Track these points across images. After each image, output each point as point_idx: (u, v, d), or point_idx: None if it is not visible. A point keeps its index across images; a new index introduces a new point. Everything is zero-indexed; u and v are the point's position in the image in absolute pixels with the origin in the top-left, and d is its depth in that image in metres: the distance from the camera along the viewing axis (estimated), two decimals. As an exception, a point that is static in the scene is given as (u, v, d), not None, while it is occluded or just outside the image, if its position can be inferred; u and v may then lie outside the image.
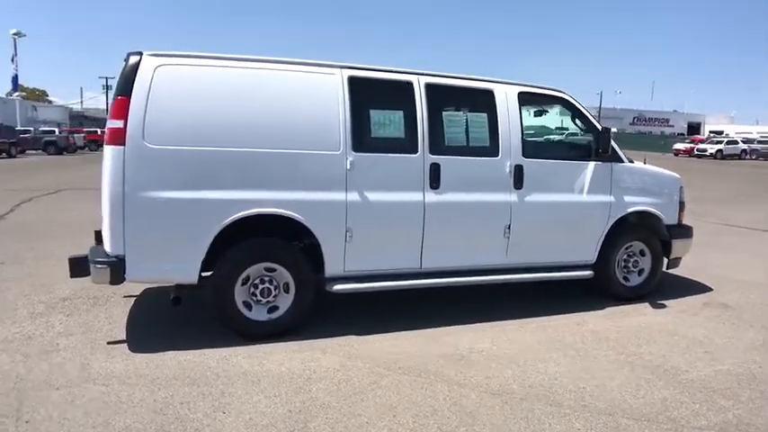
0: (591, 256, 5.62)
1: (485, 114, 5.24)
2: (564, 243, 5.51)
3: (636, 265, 5.88)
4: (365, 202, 4.70)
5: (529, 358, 4.31)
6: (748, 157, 45.05)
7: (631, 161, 5.86)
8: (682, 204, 6.07)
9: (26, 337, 4.56)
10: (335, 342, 4.55)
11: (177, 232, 4.30)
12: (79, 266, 4.47)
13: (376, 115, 4.93)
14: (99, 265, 4.22)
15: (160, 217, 4.24)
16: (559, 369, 4.12)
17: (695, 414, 3.48)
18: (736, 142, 46.64)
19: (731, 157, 43.71)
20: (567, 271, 5.53)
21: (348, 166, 4.61)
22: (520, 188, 5.21)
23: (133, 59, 4.25)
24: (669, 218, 5.96)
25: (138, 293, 5.70)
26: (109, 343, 4.46)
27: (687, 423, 3.36)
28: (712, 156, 43.29)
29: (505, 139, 5.16)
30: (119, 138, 4.14)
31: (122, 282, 4.33)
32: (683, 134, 71.15)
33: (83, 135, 41.72)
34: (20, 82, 49.16)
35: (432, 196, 4.90)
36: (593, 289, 5.84)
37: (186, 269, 4.36)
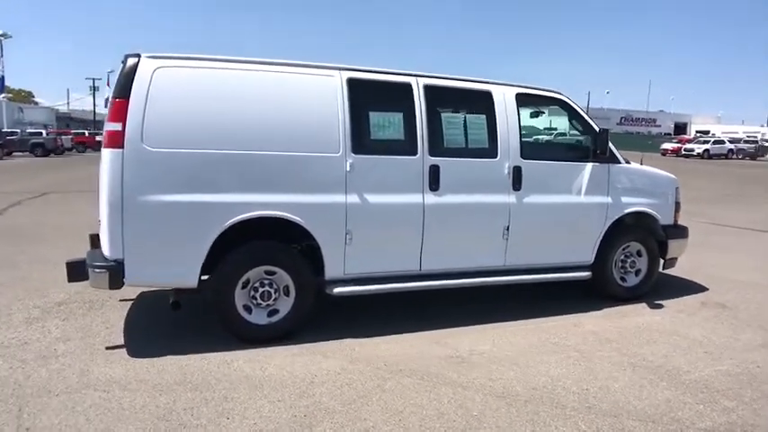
0: (589, 256, 5.64)
1: (483, 116, 5.24)
2: (562, 244, 5.52)
3: (633, 265, 5.91)
4: (365, 204, 4.68)
5: (530, 360, 4.32)
6: (735, 156, 45.55)
7: (628, 162, 5.89)
8: (677, 205, 6.12)
9: (22, 342, 4.49)
10: (336, 345, 4.53)
11: (177, 236, 4.25)
12: (77, 271, 4.42)
13: (375, 117, 4.92)
14: (97, 270, 4.17)
15: (159, 220, 4.20)
16: (561, 371, 4.13)
17: (700, 415, 3.49)
18: (722, 142, 47.15)
19: (718, 156, 44.17)
20: (566, 272, 5.54)
21: (348, 168, 4.59)
22: (518, 189, 5.22)
23: (131, 61, 4.21)
24: (665, 218, 6.00)
25: (134, 297, 5.64)
26: (107, 348, 4.41)
27: (692, 424, 3.38)
28: (699, 155, 43.72)
29: (504, 140, 5.16)
30: (117, 141, 4.09)
31: (121, 286, 4.28)
32: (669, 134, 71.81)
33: (70, 137, 41.27)
34: (6, 83, 48.52)
35: (431, 198, 4.89)
36: (591, 290, 5.86)
37: (186, 273, 4.31)
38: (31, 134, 37.13)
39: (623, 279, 5.91)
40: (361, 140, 4.70)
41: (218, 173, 4.31)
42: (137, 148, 4.10)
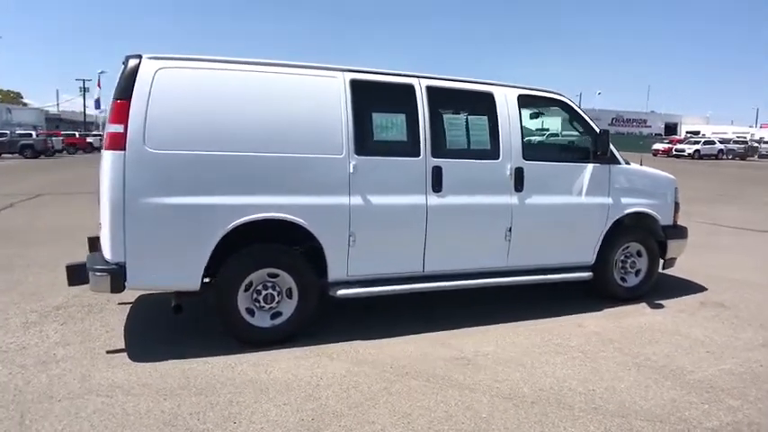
0: (590, 257, 5.65)
1: (485, 117, 5.24)
2: (563, 245, 5.53)
3: (633, 265, 5.93)
4: (368, 205, 4.66)
5: (535, 361, 4.31)
6: (725, 156, 45.98)
7: (628, 162, 5.91)
8: (677, 205, 6.15)
9: (21, 347, 4.43)
10: (340, 347, 4.50)
11: (179, 238, 4.21)
12: (77, 274, 4.37)
13: (378, 118, 4.90)
14: (99, 273, 4.12)
15: (161, 223, 4.15)
16: (567, 371, 4.12)
17: (706, 414, 3.50)
18: (713, 142, 47.57)
19: (708, 156, 44.56)
20: (567, 273, 5.55)
21: (351, 170, 4.57)
22: (520, 190, 5.21)
23: (132, 62, 4.16)
24: (665, 218, 6.02)
25: (132, 301, 5.59)
26: (108, 352, 4.36)
27: (699, 423, 3.39)
28: (690, 156, 44.09)
29: (506, 141, 5.16)
30: (119, 142, 4.05)
31: (123, 290, 4.22)
32: (660, 134, 72.29)
33: (61, 138, 40.90)
34: (-6, 84, 48.02)
35: (434, 199, 4.87)
36: (592, 290, 5.87)
37: (188, 276, 4.27)
38: (21, 135, 36.75)
39: (623, 279, 5.93)
40: (364, 142, 4.68)
41: (221, 175, 4.27)
42: (139, 150, 4.06)
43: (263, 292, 4.48)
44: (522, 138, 5.25)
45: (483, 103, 5.22)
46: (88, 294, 5.67)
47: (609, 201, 5.63)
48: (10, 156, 34.24)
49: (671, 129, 78.96)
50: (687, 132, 69.35)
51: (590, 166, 5.54)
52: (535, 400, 3.66)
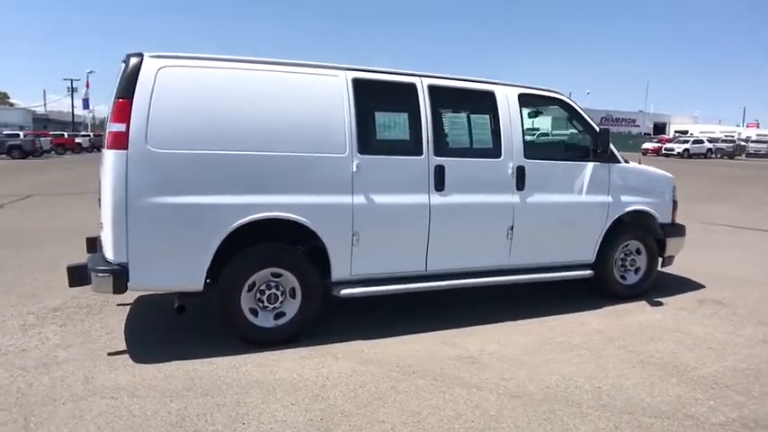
0: (590, 255, 5.68)
1: (487, 116, 5.25)
2: (565, 243, 5.55)
3: (633, 263, 5.97)
4: (371, 204, 4.64)
5: (539, 359, 4.32)
6: (713, 155, 46.40)
7: (627, 161, 5.94)
8: (675, 203, 6.19)
9: (20, 349, 4.37)
10: (344, 347, 4.49)
11: (182, 238, 4.18)
12: (78, 275, 4.31)
13: (380, 117, 4.91)
14: (101, 274, 4.07)
15: (164, 223, 4.11)
16: (572, 369, 4.13)
17: (713, 410, 3.53)
18: (701, 141, 48.02)
19: (697, 155, 44.95)
20: (568, 271, 5.57)
21: (354, 169, 4.55)
22: (522, 189, 5.22)
23: (134, 61, 4.12)
24: (663, 217, 6.07)
25: (131, 302, 5.53)
26: (110, 354, 4.31)
27: (707, 419, 3.41)
28: (679, 155, 44.44)
29: (507, 140, 5.17)
30: (121, 142, 4.00)
31: (125, 291, 4.18)
32: (649, 134, 72.81)
33: (49, 139, 40.47)
34: (-20, 84, 47.43)
35: (437, 198, 4.87)
36: (592, 288, 5.90)
37: (191, 276, 4.24)
38: (8, 136, 36.30)
39: (623, 277, 5.96)
40: (367, 141, 4.67)
41: (224, 174, 4.24)
42: (141, 150, 4.02)
43: (267, 292, 4.46)
44: (524, 136, 5.26)
45: (484, 102, 5.22)
46: (86, 296, 5.62)
47: (609, 199, 5.66)
48: (-3, 156, 33.85)
49: (660, 128, 79.52)
50: (676, 132, 69.96)
51: (590, 165, 5.57)
52: (543, 398, 3.67)
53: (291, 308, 4.54)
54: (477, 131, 5.31)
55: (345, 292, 4.65)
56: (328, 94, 4.57)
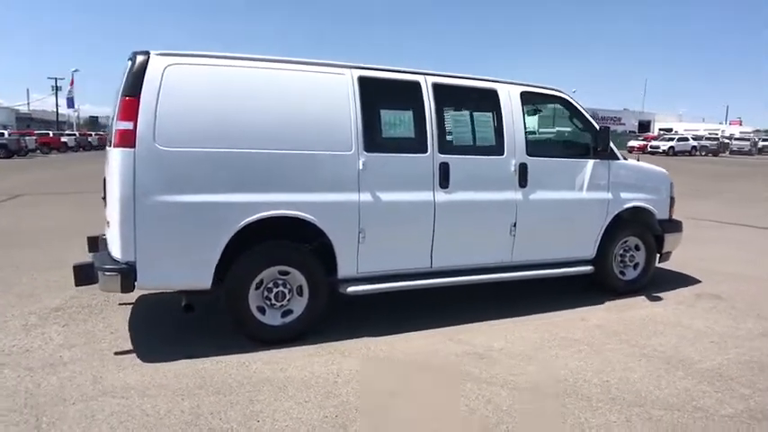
0: (591, 251, 5.74)
1: (490, 114, 5.29)
2: (566, 239, 5.61)
3: (632, 259, 6.04)
4: (377, 202, 4.66)
5: (546, 354, 4.37)
6: (698, 153, 47.02)
7: (626, 158, 6.01)
8: (672, 200, 6.29)
9: (25, 350, 4.32)
10: (352, 344, 4.50)
11: (190, 237, 4.16)
12: (85, 274, 4.27)
13: (386, 115, 4.92)
14: (108, 273, 4.04)
15: (173, 221, 4.09)
16: (579, 363, 4.18)
17: (720, 402, 3.59)
18: (686, 139, 48.65)
19: (682, 153, 45.54)
20: (570, 267, 5.63)
21: (360, 167, 4.56)
22: (524, 186, 5.27)
23: (140, 59, 4.09)
24: (661, 213, 6.15)
25: (133, 301, 5.49)
26: (116, 353, 4.28)
27: (715, 412, 3.47)
28: (665, 152, 44.96)
29: (510, 137, 5.21)
30: (128, 140, 3.97)
31: (133, 289, 4.15)
32: (633, 131, 73.45)
33: (34, 138, 39.93)
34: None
35: (441, 195, 4.90)
36: (593, 284, 5.97)
37: (200, 275, 4.22)
38: (-7, 135, 35.79)
39: (622, 273, 6.04)
40: (373, 138, 4.68)
41: (231, 172, 4.23)
42: (149, 148, 4.00)
43: (274, 290, 4.45)
44: (526, 134, 5.31)
45: (487, 100, 5.26)
46: (86, 295, 5.57)
47: (609, 196, 5.73)
48: (-20, 156, 33.30)
49: (644, 126, 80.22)
50: (660, 130, 70.57)
51: (591, 162, 5.63)
52: (553, 392, 3.71)
53: (299, 305, 4.54)
54: (480, 129, 5.35)
55: (352, 289, 4.66)
56: (335, 92, 4.58)
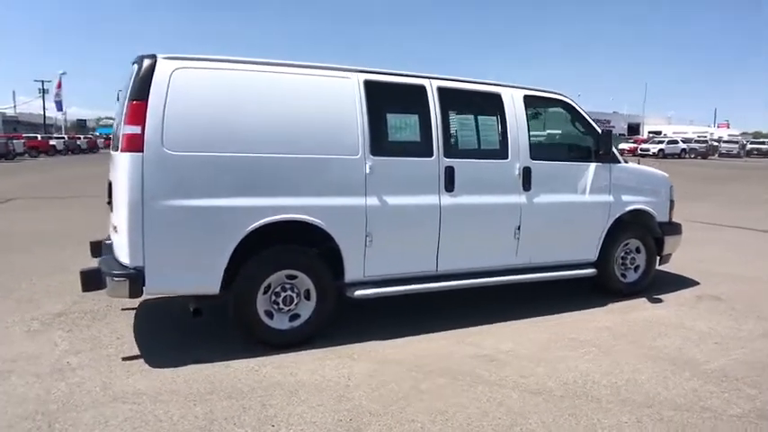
0: (593, 254, 5.79)
1: (494, 117, 5.32)
2: (569, 242, 5.65)
3: (633, 261, 6.10)
4: (384, 206, 4.67)
5: (554, 356, 4.40)
6: (687, 156, 47.47)
7: (627, 161, 6.08)
8: (672, 203, 6.36)
9: (30, 356, 4.29)
10: (360, 347, 4.50)
11: (199, 241, 4.15)
12: (92, 279, 4.24)
13: (392, 119, 4.94)
14: (117, 278, 4.02)
15: (181, 226, 4.08)
16: (587, 365, 4.22)
17: (727, 402, 3.64)
18: (676, 142, 49.14)
19: (672, 156, 45.94)
20: (573, 269, 5.67)
21: (367, 171, 4.58)
22: (528, 190, 5.31)
23: (147, 62, 4.08)
24: (661, 215, 6.22)
25: (135, 306, 5.46)
26: (124, 359, 4.25)
27: (724, 412, 3.51)
28: (654, 155, 45.31)
29: (514, 141, 5.25)
30: (136, 144, 3.96)
31: (141, 295, 4.14)
32: (623, 134, 73.99)
33: (22, 141, 39.52)
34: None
35: (447, 199, 4.92)
36: (595, 286, 6.02)
37: (208, 279, 4.21)
38: (-20, 139, 35.38)
39: (624, 275, 6.09)
40: (380, 142, 4.70)
41: (240, 176, 4.23)
42: (157, 152, 3.99)
43: (282, 294, 4.45)
44: (529, 138, 5.35)
45: (491, 104, 5.29)
46: (87, 301, 5.54)
47: (611, 199, 5.78)
48: (-32, 160, 32.95)
49: (634, 129, 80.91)
50: (649, 132, 71.28)
51: (593, 166, 5.68)
52: (563, 394, 3.74)
53: (306, 309, 4.54)
54: (484, 133, 5.38)
55: (359, 293, 4.67)
56: (341, 96, 4.59)
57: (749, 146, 54.57)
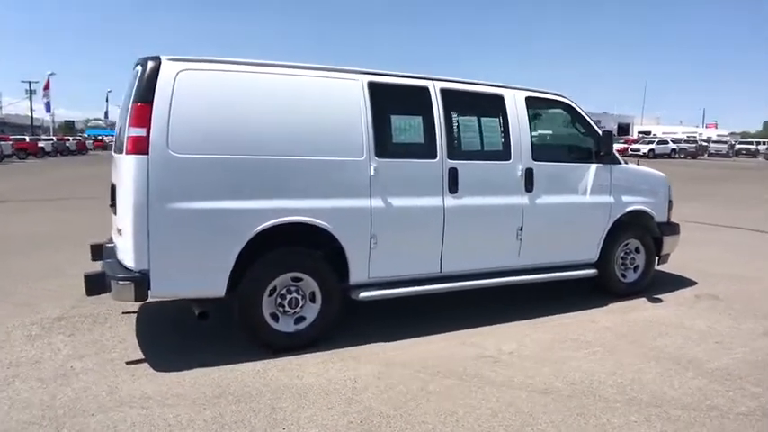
0: (594, 254, 5.83)
1: (496, 119, 5.34)
2: (570, 243, 5.69)
3: (632, 262, 6.15)
4: (389, 207, 4.68)
5: (558, 356, 4.42)
6: (677, 156, 47.87)
7: (626, 162, 6.13)
8: (670, 203, 6.42)
9: (33, 361, 4.25)
10: (364, 350, 4.50)
11: (204, 244, 4.13)
12: (97, 283, 4.21)
13: (396, 121, 4.93)
14: (122, 282, 3.99)
15: (187, 228, 4.07)
16: (592, 365, 4.25)
17: (733, 401, 3.67)
18: (666, 142, 49.53)
19: (662, 156, 46.28)
20: (574, 270, 5.71)
21: (372, 172, 4.58)
22: (531, 191, 5.33)
23: (152, 64, 4.06)
24: (660, 216, 6.28)
25: (136, 309, 5.43)
26: (128, 363, 4.22)
27: (730, 410, 3.55)
28: (645, 155, 45.61)
29: (516, 142, 5.27)
30: (142, 146, 3.94)
31: (146, 298, 4.11)
32: (614, 135, 74.47)
33: (10, 143, 39.07)
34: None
35: (451, 201, 4.94)
36: (596, 286, 6.06)
37: (214, 282, 4.19)
38: (-32, 141, 34.95)
39: (623, 275, 6.14)
40: (384, 144, 4.70)
41: (245, 179, 4.22)
42: (163, 154, 3.97)
43: (288, 297, 4.44)
44: (531, 139, 5.38)
45: (494, 106, 5.31)
46: (87, 305, 5.49)
47: (611, 199, 5.83)
48: (-45, 162, 32.55)
49: (624, 129, 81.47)
50: (639, 133, 71.83)
51: (593, 167, 5.72)
52: (571, 394, 3.76)
53: (311, 312, 4.53)
54: (487, 134, 5.39)
55: (364, 295, 4.67)
56: (346, 98, 4.59)
57: (737, 146, 55.20)
